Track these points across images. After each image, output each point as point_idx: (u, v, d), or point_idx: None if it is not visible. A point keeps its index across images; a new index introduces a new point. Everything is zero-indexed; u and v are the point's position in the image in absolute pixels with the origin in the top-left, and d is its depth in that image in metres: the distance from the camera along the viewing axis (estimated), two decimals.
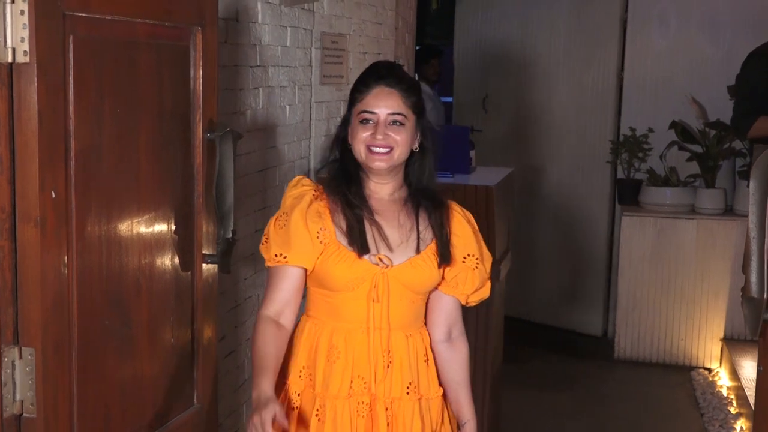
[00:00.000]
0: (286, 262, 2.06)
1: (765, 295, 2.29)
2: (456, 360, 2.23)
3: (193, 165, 2.09)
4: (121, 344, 1.86)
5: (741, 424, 4.42)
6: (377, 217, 2.11)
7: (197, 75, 2.07)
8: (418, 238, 2.13)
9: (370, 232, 2.08)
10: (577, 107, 5.84)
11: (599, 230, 5.89)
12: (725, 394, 4.87)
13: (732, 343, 5.19)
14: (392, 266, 2.09)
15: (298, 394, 2.10)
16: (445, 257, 2.14)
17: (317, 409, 2.07)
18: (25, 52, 1.57)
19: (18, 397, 1.63)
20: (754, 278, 2.30)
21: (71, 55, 1.66)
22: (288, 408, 2.08)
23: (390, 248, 2.10)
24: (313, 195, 2.09)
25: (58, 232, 1.65)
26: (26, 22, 1.56)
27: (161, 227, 1.97)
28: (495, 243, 3.69)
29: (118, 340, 1.85)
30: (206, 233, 2.14)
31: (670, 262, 5.33)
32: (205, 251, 2.13)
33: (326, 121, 3.77)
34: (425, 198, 2.17)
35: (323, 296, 2.11)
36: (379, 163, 2.09)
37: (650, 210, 5.42)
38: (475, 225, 2.24)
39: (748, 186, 2.38)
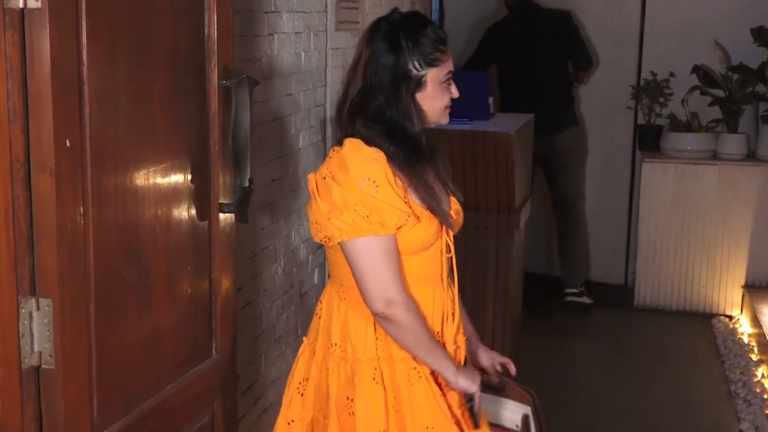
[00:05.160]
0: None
1: None
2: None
3: (209, 113, 2.05)
4: (138, 295, 1.84)
5: (762, 370, 4.40)
6: (429, 179, 2.11)
7: (211, 20, 2.02)
8: (441, 181, 2.16)
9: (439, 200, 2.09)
10: (598, 51, 5.73)
11: (620, 177, 5.82)
12: (746, 341, 4.85)
13: (753, 290, 5.16)
14: (453, 216, 2.13)
15: None
16: (458, 194, 2.22)
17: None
18: None
19: (36, 348, 1.61)
20: None
21: None
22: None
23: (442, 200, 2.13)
24: (385, 156, 2.00)
25: (73, 182, 1.62)
26: None
27: (177, 177, 1.94)
28: (514, 191, 3.65)
29: (136, 291, 1.83)
30: (222, 182, 2.10)
31: (691, 208, 5.28)
32: (221, 201, 2.10)
33: (342, 68, 3.70)
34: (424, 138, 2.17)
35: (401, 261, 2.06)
36: (448, 118, 2.13)
37: (671, 156, 5.36)
38: None
39: None
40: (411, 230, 2.00)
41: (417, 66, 2.03)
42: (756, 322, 4.78)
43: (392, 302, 1.98)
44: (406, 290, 2.01)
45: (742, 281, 5.25)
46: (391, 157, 2.00)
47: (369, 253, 1.97)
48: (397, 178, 1.99)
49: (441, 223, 2.07)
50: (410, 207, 2.00)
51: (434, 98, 2.06)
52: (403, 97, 2.03)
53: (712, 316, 5.28)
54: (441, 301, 2.11)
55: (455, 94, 2.11)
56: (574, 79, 5.55)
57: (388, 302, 1.98)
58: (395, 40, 2.03)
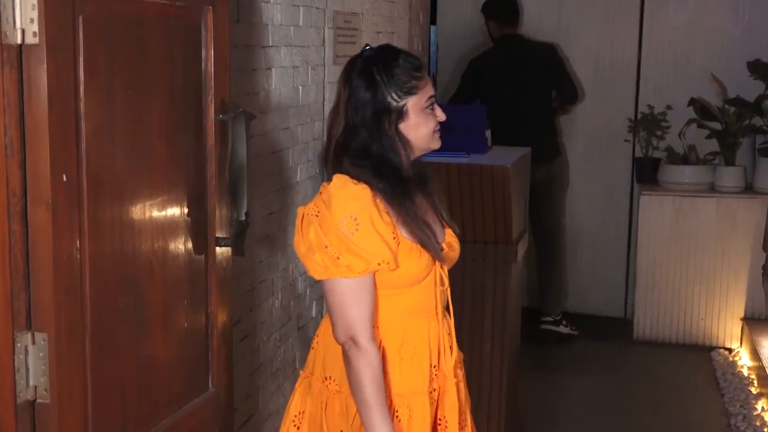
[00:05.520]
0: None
1: None
2: None
3: (206, 147, 2.06)
4: (134, 329, 1.84)
5: (762, 404, 4.38)
6: (423, 214, 2.11)
7: (209, 55, 2.04)
8: (436, 212, 2.18)
9: (430, 234, 2.08)
10: (595, 85, 5.77)
11: (619, 210, 5.82)
12: (746, 374, 4.83)
13: (752, 322, 5.15)
14: (449, 248, 2.14)
15: None
16: (453, 225, 2.22)
17: (397, 411, 2.06)
18: (34, 33, 1.54)
19: (31, 382, 1.62)
20: None
21: (81, 35, 1.63)
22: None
23: (437, 234, 2.13)
24: (371, 194, 2.00)
25: (69, 216, 1.63)
26: (35, 2, 1.54)
27: (174, 210, 1.95)
28: (512, 224, 3.66)
29: (132, 325, 1.83)
30: (219, 216, 2.11)
31: (689, 241, 5.28)
32: (218, 234, 2.11)
33: None
34: (416, 168, 2.16)
35: (388, 296, 2.05)
36: (440, 142, 2.12)
37: (669, 189, 5.37)
38: None
39: None
40: (402, 263, 2.01)
41: (395, 97, 2.03)
42: (755, 355, 4.77)
43: (354, 341, 1.98)
44: (371, 336, 1.99)
45: (741, 314, 5.24)
46: (379, 193, 2.01)
47: (337, 293, 1.99)
48: (384, 214, 1.99)
49: (433, 257, 2.07)
50: (398, 243, 1.99)
51: (418, 125, 2.06)
52: (387, 130, 2.04)
53: (712, 348, 5.26)
54: (436, 335, 2.11)
55: (441, 117, 2.11)
56: (558, 109, 5.59)
57: (349, 339, 1.99)
58: (370, 76, 2.04)
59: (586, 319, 5.71)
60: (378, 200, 2.00)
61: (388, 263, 1.97)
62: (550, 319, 5.47)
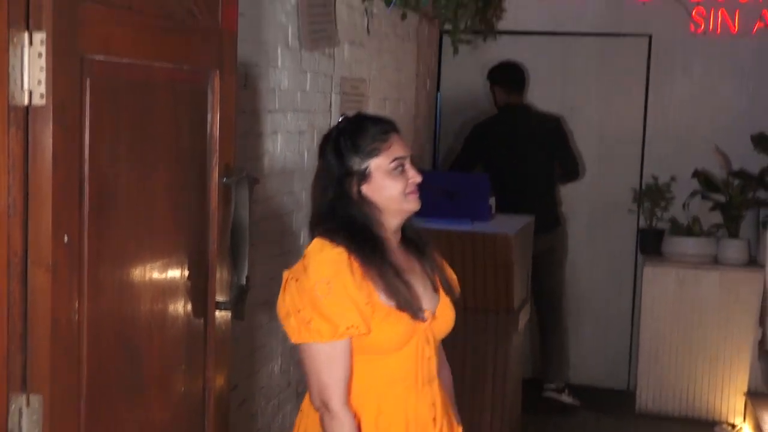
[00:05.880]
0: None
1: None
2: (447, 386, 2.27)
3: (209, 210, 2.06)
4: (131, 392, 1.82)
5: None
6: (404, 274, 2.09)
7: (214, 119, 2.05)
8: (429, 279, 2.16)
9: (409, 294, 2.06)
10: (599, 156, 5.79)
11: (623, 281, 5.80)
12: None
13: (756, 397, 5.07)
14: (435, 317, 2.10)
15: None
16: (452, 292, 2.20)
17: None
18: (41, 94, 1.55)
19: None
20: None
21: (88, 98, 1.64)
22: None
23: (423, 299, 2.10)
24: (348, 258, 2.01)
25: (69, 278, 1.62)
26: (43, 64, 1.54)
27: (174, 273, 1.94)
28: (513, 292, 3.64)
29: (128, 388, 1.81)
30: (220, 280, 2.10)
31: (692, 313, 5.24)
32: (218, 298, 2.10)
33: None
34: (410, 234, 2.18)
35: (366, 362, 2.04)
36: (416, 204, 2.11)
37: (673, 260, 5.35)
38: None
39: None
40: (378, 327, 1.99)
41: (357, 161, 2.08)
42: (759, 430, 4.70)
43: (326, 406, 1.99)
44: (344, 401, 1.99)
45: (745, 388, 5.18)
46: (353, 254, 2.02)
47: (311, 357, 2.01)
48: (359, 277, 2.01)
49: (411, 317, 2.04)
50: (373, 309, 1.99)
51: (384, 187, 2.08)
52: (350, 193, 2.08)
53: (715, 423, 5.19)
54: (414, 407, 2.06)
55: (414, 177, 2.11)
56: (559, 181, 5.61)
57: (322, 403, 2.00)
58: (337, 143, 2.11)
59: (589, 391, 5.64)
60: (354, 263, 2.01)
61: (357, 328, 1.97)
62: (552, 386, 5.41)
